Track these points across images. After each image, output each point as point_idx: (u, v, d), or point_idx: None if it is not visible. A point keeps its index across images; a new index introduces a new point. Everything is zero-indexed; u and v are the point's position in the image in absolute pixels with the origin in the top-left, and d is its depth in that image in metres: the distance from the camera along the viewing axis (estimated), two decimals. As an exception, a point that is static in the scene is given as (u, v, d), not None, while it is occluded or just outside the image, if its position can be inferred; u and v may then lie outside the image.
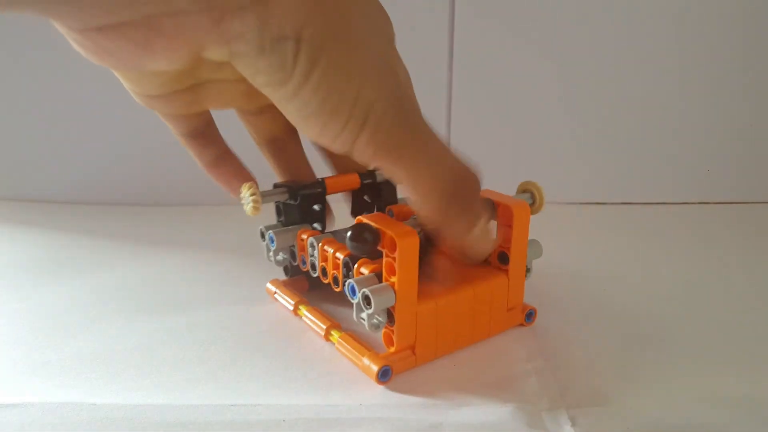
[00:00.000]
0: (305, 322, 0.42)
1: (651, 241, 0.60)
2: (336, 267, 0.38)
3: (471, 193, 0.24)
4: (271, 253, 0.43)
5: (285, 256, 0.44)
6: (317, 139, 0.23)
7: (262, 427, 0.31)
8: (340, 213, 0.50)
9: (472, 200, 0.25)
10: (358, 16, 0.22)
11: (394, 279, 0.34)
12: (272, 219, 0.45)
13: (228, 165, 0.30)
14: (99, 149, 0.71)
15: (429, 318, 0.36)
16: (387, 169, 0.23)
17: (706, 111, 0.69)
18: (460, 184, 0.24)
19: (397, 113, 0.23)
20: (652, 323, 0.42)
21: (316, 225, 0.44)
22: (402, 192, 0.50)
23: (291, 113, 0.23)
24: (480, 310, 0.38)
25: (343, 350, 0.38)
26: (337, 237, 0.41)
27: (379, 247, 0.34)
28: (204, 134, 0.29)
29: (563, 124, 0.70)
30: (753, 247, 0.58)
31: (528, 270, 0.41)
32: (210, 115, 0.29)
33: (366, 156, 0.23)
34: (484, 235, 0.26)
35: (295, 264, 0.43)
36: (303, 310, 0.42)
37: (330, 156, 0.32)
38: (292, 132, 0.30)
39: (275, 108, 0.28)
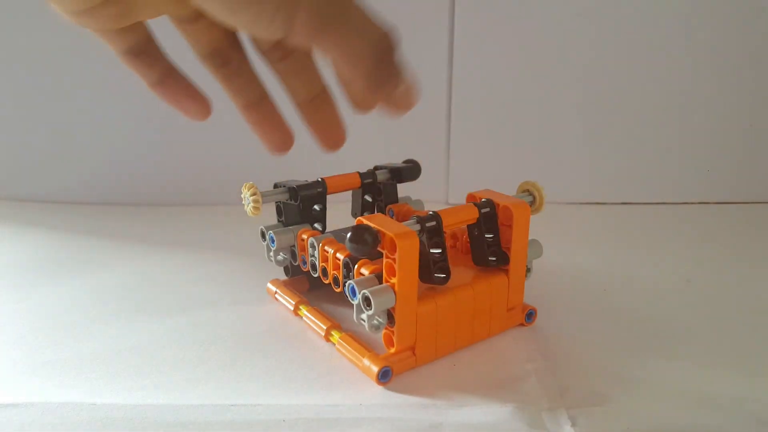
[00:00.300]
0: (305, 323, 0.42)
1: (651, 241, 0.60)
2: (336, 268, 0.38)
3: (393, 52, 0.25)
4: (271, 253, 0.43)
5: (285, 256, 0.44)
6: (250, 30, 0.23)
7: (262, 427, 0.31)
8: (341, 213, 0.50)
9: (394, 58, 0.25)
10: None
11: (394, 280, 0.34)
12: (272, 219, 0.45)
13: (174, 82, 0.30)
14: (99, 149, 0.71)
15: (429, 318, 0.36)
16: (319, 46, 0.23)
17: (706, 111, 0.69)
18: (383, 45, 0.24)
19: None
20: (652, 323, 0.42)
21: (316, 225, 0.44)
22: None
23: (219, 9, 0.22)
24: (480, 310, 0.38)
25: (343, 351, 0.38)
26: (337, 237, 0.41)
27: (379, 248, 0.34)
28: (146, 52, 0.29)
29: (563, 124, 0.70)
30: (753, 247, 0.58)
31: (528, 270, 0.41)
32: (148, 31, 0.28)
33: (302, 37, 0.22)
34: (411, 87, 0.27)
35: (296, 264, 0.43)
36: (303, 311, 0.42)
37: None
38: (235, 42, 0.30)
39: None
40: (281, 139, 0.31)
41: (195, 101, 0.30)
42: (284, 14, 0.21)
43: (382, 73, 0.25)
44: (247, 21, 0.22)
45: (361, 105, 0.27)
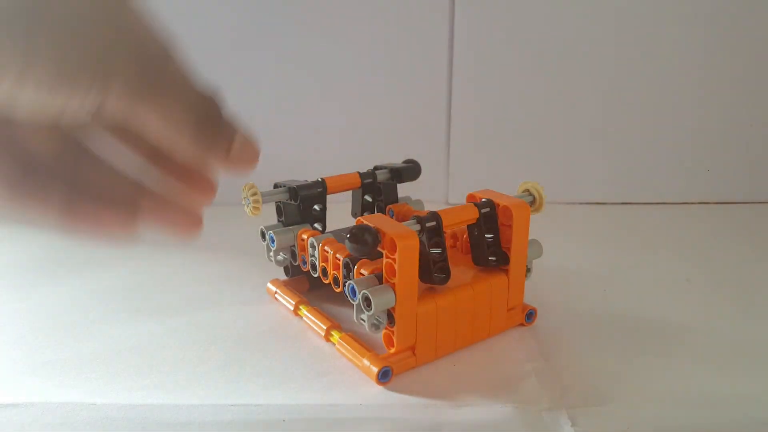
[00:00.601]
0: (305, 323, 0.42)
1: (651, 241, 0.60)
2: (336, 268, 0.38)
3: (217, 111, 0.24)
4: (271, 253, 0.43)
5: (285, 256, 0.44)
6: (65, 108, 0.20)
7: (262, 427, 0.31)
8: (341, 213, 0.50)
9: (219, 117, 0.24)
10: None
11: (394, 280, 0.34)
12: (272, 219, 0.45)
13: (86, 203, 0.25)
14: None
15: (429, 318, 0.36)
16: (137, 114, 0.22)
17: (706, 111, 0.69)
18: (205, 106, 0.24)
19: (142, 56, 0.22)
20: (651, 323, 0.42)
21: (316, 225, 0.44)
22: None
23: (35, 90, 0.19)
24: (480, 310, 0.38)
25: (343, 351, 0.38)
26: (337, 237, 0.41)
27: (379, 248, 0.34)
28: (33, 179, 0.24)
29: (563, 124, 0.70)
30: (753, 247, 0.58)
31: (528, 270, 0.41)
32: (27, 151, 0.24)
33: (119, 107, 0.21)
34: (246, 143, 0.25)
35: (296, 264, 0.43)
36: (303, 311, 0.42)
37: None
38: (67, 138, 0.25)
39: None
40: (181, 229, 0.27)
41: (115, 215, 0.25)
42: (98, 87, 0.20)
43: (208, 134, 0.24)
44: (64, 100, 0.20)
45: (193, 167, 0.25)
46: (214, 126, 0.24)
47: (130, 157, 0.27)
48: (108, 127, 0.26)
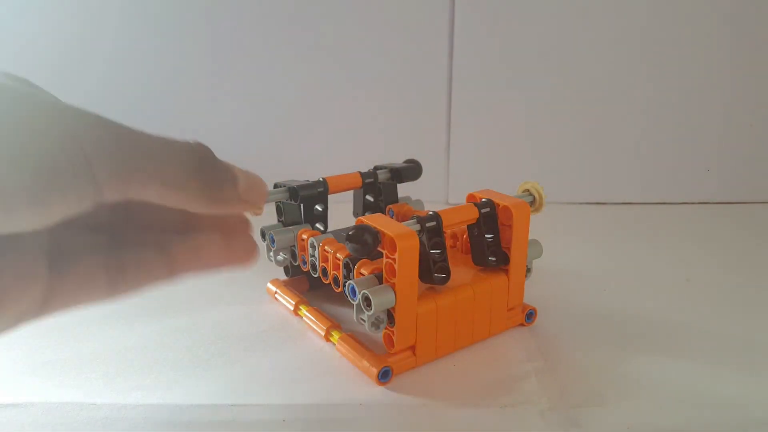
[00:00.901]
0: (305, 322, 0.42)
1: (651, 241, 0.60)
2: (336, 267, 0.38)
3: (209, 160, 0.24)
4: (271, 253, 0.43)
5: (285, 256, 0.44)
6: (70, 210, 0.20)
7: (262, 427, 0.31)
8: (341, 213, 0.50)
9: (215, 163, 0.24)
10: None
11: (394, 280, 0.34)
12: (272, 219, 0.45)
13: (66, 282, 0.26)
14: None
15: (429, 318, 0.36)
16: (136, 188, 0.21)
17: (706, 111, 0.70)
18: (195, 159, 0.23)
19: (111, 136, 0.21)
20: (651, 323, 0.42)
21: (318, 225, 0.44)
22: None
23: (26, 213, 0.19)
24: (480, 310, 0.38)
25: (343, 351, 0.38)
26: (338, 237, 0.41)
27: (379, 248, 0.34)
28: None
29: (563, 124, 0.70)
30: (753, 247, 0.58)
31: (528, 270, 0.41)
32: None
33: (114, 189, 0.21)
34: (251, 180, 0.26)
35: (296, 264, 0.43)
36: (303, 311, 0.42)
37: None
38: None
39: None
40: (235, 259, 0.31)
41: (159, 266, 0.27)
42: (85, 179, 0.20)
43: (212, 181, 0.24)
44: (61, 200, 0.20)
45: (214, 210, 0.25)
46: (213, 172, 0.24)
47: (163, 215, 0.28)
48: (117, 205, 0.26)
